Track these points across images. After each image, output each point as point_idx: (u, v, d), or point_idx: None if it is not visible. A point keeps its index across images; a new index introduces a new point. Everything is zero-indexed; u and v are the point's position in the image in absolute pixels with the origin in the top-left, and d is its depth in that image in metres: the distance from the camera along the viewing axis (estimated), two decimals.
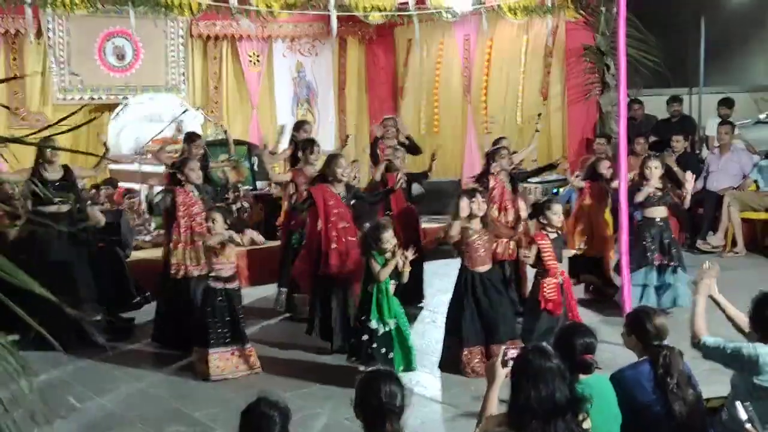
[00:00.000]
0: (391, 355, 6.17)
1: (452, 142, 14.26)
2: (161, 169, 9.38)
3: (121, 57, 12.85)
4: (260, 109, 14.19)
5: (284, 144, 9.57)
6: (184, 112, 11.97)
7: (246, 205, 10.32)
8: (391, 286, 6.28)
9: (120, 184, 10.94)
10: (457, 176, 13.07)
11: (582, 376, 3.99)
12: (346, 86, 15.19)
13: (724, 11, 13.10)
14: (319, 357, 7.07)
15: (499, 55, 13.53)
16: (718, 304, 4.63)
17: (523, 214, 7.14)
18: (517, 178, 8.22)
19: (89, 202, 8.22)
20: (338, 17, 11.63)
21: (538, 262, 6.71)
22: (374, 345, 6.13)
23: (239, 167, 10.48)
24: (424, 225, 9.38)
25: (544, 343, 3.73)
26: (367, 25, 13.59)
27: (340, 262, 7.04)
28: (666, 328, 4.35)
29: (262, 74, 14.21)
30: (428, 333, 7.72)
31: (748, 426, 3.79)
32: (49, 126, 7.37)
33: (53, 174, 7.56)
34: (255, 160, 11.40)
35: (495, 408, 3.66)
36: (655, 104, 12.49)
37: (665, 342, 4.31)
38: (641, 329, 4.32)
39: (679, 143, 11.19)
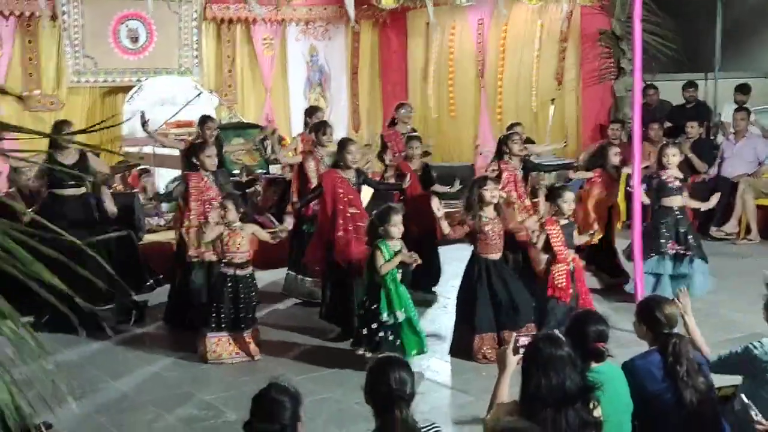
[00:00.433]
0: (398, 342, 6.17)
1: (466, 127, 14.23)
2: (176, 152, 9.41)
3: (134, 40, 12.85)
4: (273, 93, 14.18)
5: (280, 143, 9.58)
6: (198, 95, 11.99)
7: (259, 189, 10.34)
8: (398, 276, 6.27)
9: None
10: (470, 161, 13.04)
11: (594, 364, 3.98)
12: (359, 70, 15.16)
13: None
14: (329, 341, 7.10)
15: (513, 39, 13.46)
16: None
17: (541, 210, 7.09)
18: (529, 165, 8.17)
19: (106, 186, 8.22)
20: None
21: (548, 248, 6.70)
22: (381, 334, 6.13)
23: (253, 152, 10.51)
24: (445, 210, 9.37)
25: (556, 331, 3.74)
26: (380, 9, 13.55)
27: (346, 249, 7.05)
28: (676, 316, 4.33)
29: (276, 58, 14.19)
30: (439, 319, 7.74)
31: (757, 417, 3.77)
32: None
33: (68, 158, 7.58)
34: (268, 143, 11.40)
35: (506, 395, 3.66)
36: (670, 89, 12.42)
37: (675, 330, 4.30)
38: (651, 318, 4.31)
39: (693, 129, 11.13)
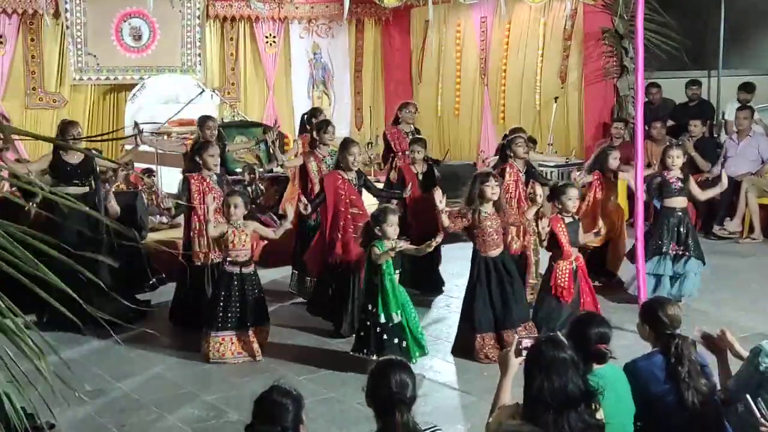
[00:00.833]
0: (405, 344, 6.15)
1: (468, 125, 14.21)
2: (180, 149, 9.41)
3: (137, 38, 12.86)
4: (276, 91, 14.18)
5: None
6: (200, 93, 11.98)
7: (261, 187, 10.33)
8: (396, 277, 6.25)
9: (136, 164, 10.96)
10: (472, 160, 13.03)
11: (596, 367, 3.98)
12: (362, 68, 15.15)
13: None
14: (331, 341, 7.10)
15: (516, 38, 13.44)
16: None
17: (539, 199, 7.06)
18: (531, 174, 8.15)
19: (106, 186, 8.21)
20: (353, 0, 11.58)
21: (553, 245, 6.70)
22: (385, 336, 6.11)
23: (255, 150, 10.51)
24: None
25: (558, 333, 3.73)
26: (383, 7, 13.54)
27: (345, 251, 7.05)
28: (679, 317, 4.32)
29: (279, 55, 14.19)
30: (442, 318, 7.74)
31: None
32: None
33: (73, 158, 7.59)
34: (271, 134, 11.38)
35: (508, 398, 3.65)
36: (673, 87, 12.39)
37: (678, 331, 4.29)
38: (654, 319, 4.30)
39: (696, 128, 11.12)
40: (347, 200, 7.30)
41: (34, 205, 7.94)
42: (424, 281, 8.38)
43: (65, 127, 7.85)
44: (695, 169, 10.66)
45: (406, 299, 6.29)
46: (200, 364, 6.59)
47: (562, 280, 6.62)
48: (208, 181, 7.33)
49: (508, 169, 7.82)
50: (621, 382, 4.07)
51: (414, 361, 6.02)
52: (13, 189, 8.61)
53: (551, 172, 11.34)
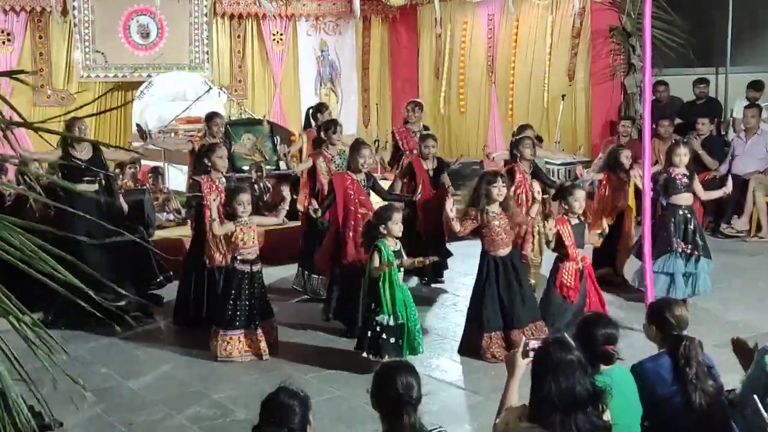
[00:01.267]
0: (400, 342, 6.16)
1: (475, 123, 14.21)
2: (187, 146, 9.42)
3: (145, 35, 12.89)
4: (284, 88, 14.20)
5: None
6: (207, 91, 12.00)
7: (269, 185, 10.34)
8: (400, 275, 6.26)
9: (144, 162, 10.99)
10: (479, 158, 13.01)
11: (603, 367, 3.98)
12: (369, 65, 15.16)
13: None
14: (338, 339, 7.10)
15: (524, 35, 13.42)
16: None
17: (538, 196, 7.07)
18: (537, 174, 8.14)
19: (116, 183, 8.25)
20: None
21: (559, 246, 6.69)
22: (384, 336, 6.11)
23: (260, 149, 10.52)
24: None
25: (566, 335, 3.73)
26: (389, 5, 13.55)
27: (356, 251, 7.06)
28: (686, 318, 4.32)
29: (286, 53, 14.21)
30: (449, 317, 7.73)
31: None
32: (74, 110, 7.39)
33: (83, 154, 7.61)
34: (278, 139, 11.39)
35: (515, 399, 3.66)
36: (681, 84, 12.35)
37: (685, 333, 4.29)
38: (661, 320, 4.30)
39: (704, 126, 11.09)
40: (356, 200, 7.32)
41: (41, 203, 8.02)
42: (429, 270, 8.39)
43: (72, 123, 7.87)
44: (703, 167, 10.64)
45: (409, 298, 6.29)
46: (207, 363, 6.60)
47: (569, 280, 6.61)
48: (217, 183, 7.32)
49: (516, 168, 7.83)
50: (628, 383, 4.07)
51: (403, 357, 6.03)
52: (21, 187, 8.66)
53: (558, 170, 11.34)
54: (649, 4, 6.97)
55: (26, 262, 2.47)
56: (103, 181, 7.77)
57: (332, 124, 8.29)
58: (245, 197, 6.68)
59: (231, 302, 6.60)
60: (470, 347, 6.61)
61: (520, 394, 3.65)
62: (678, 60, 11.95)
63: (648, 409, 4.05)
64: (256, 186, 9.92)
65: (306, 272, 8.37)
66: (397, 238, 6.24)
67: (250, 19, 13.88)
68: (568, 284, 6.60)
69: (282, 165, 10.99)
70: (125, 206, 8.23)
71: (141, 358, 6.79)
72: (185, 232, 8.72)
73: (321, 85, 14.61)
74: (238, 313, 6.60)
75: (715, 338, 6.22)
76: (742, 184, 10.57)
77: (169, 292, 8.07)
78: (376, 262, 6.11)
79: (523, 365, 3.69)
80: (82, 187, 7.59)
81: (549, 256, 7.16)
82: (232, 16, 13.71)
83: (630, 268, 8.13)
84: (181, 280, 7.75)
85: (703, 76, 12.14)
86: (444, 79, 14.71)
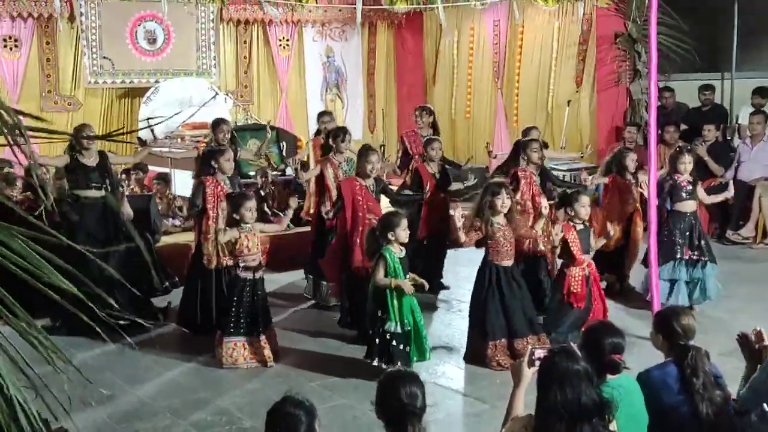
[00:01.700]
0: (407, 349, 6.17)
1: (481, 129, 14.22)
2: (192, 153, 9.45)
3: (152, 41, 12.91)
4: (290, 94, 14.21)
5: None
6: (213, 97, 12.02)
7: (274, 190, 10.35)
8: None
9: (150, 168, 11.00)
10: (485, 163, 13.01)
11: (609, 377, 3.97)
12: (375, 71, 15.17)
13: None
14: (344, 346, 7.10)
15: (530, 41, 13.43)
16: None
17: (545, 211, 7.06)
18: (546, 176, 8.14)
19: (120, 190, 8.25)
20: (366, 2, 11.60)
21: (565, 252, 6.69)
22: (393, 343, 6.12)
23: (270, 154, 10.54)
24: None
25: (572, 344, 3.73)
26: (393, 12, 13.58)
27: (364, 257, 7.06)
28: (693, 328, 4.31)
29: (292, 58, 14.22)
30: (454, 323, 7.72)
31: None
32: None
33: (89, 160, 7.64)
34: (284, 144, 11.41)
35: (521, 409, 3.65)
36: (686, 90, 12.34)
37: (692, 342, 4.28)
38: (668, 329, 4.29)
39: (710, 132, 11.08)
40: (365, 206, 7.32)
41: (52, 207, 8.03)
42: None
43: (79, 130, 7.90)
44: (709, 173, 10.64)
45: (415, 304, 6.30)
46: (214, 370, 6.60)
47: (575, 286, 6.62)
48: (222, 185, 7.35)
49: (521, 173, 7.81)
50: (635, 393, 4.07)
51: (411, 365, 6.04)
52: (28, 194, 8.70)
53: (563, 176, 11.34)
54: (655, 11, 6.97)
55: (30, 272, 2.47)
56: (109, 188, 7.79)
57: (341, 132, 8.30)
58: (251, 204, 6.68)
59: (234, 309, 6.60)
60: (476, 355, 6.61)
61: (525, 403, 3.65)
62: (684, 66, 11.95)
63: (654, 418, 4.04)
64: (261, 191, 9.94)
65: (316, 279, 8.37)
66: (402, 244, 6.25)
67: (256, 25, 13.90)
68: (576, 291, 6.61)
69: (288, 171, 11.02)
70: (130, 212, 8.25)
71: (147, 364, 6.79)
72: (192, 238, 8.72)
73: (327, 90, 14.62)
74: (241, 320, 6.61)
75: (721, 346, 6.21)
76: (748, 190, 10.57)
77: (176, 298, 8.07)
78: (381, 273, 6.11)
79: (529, 375, 3.68)
80: (89, 193, 7.63)
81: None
82: (238, 22, 13.73)
83: (638, 276, 8.13)
84: (186, 285, 7.76)
85: (708, 83, 12.13)
86: (449, 85, 14.70)
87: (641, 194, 8.16)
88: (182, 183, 10.56)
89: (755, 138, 10.87)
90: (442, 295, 8.56)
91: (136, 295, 7.78)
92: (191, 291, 7.58)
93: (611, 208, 8.40)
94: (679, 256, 7.61)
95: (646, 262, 7.51)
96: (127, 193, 9.11)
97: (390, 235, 6.17)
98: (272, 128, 10.36)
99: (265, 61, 14.09)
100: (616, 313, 7.30)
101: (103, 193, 7.71)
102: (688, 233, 7.66)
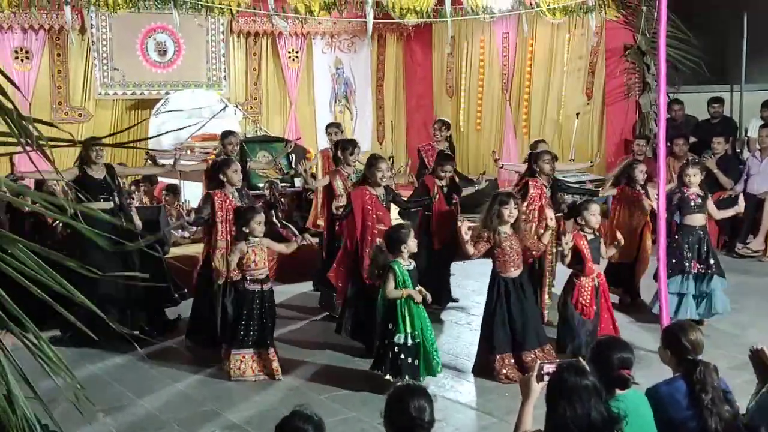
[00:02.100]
0: (417, 362, 6.16)
1: (491, 140, 14.22)
2: (201, 166, 9.48)
3: (162, 53, 12.98)
4: (299, 106, 14.25)
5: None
6: (223, 108, 12.06)
7: (284, 202, 10.38)
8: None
9: (159, 179, 11.05)
10: (493, 175, 13.00)
11: (618, 392, 3.97)
12: (384, 83, 15.21)
13: (767, 7, 12.89)
14: (353, 359, 7.08)
15: (540, 54, 13.45)
16: None
17: (551, 223, 7.04)
18: (558, 187, 8.14)
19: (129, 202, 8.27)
20: (375, 15, 11.63)
21: (575, 262, 6.67)
22: (402, 356, 6.11)
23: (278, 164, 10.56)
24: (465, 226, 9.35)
25: (581, 360, 3.73)
26: (403, 24, 13.59)
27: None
28: (701, 343, 4.29)
29: (301, 70, 14.27)
30: (463, 336, 7.71)
31: None
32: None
33: (97, 173, 7.67)
34: (293, 156, 11.43)
35: (530, 424, 3.65)
36: (696, 103, 12.33)
37: (701, 357, 4.27)
38: (676, 344, 4.28)
39: (720, 145, 11.07)
40: (374, 215, 7.32)
41: (59, 224, 8.08)
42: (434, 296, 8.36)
43: (89, 143, 7.93)
44: (718, 186, 10.62)
45: (425, 317, 6.29)
46: (222, 382, 6.59)
47: (585, 297, 6.60)
48: (230, 198, 7.35)
49: (531, 183, 7.82)
50: (643, 408, 4.06)
51: (421, 380, 6.04)
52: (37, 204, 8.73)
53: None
54: (664, 24, 6.96)
55: (40, 283, 2.48)
56: (118, 200, 7.82)
57: (350, 145, 8.32)
58: (260, 218, 6.69)
59: (243, 322, 6.59)
60: (484, 368, 6.60)
61: (534, 417, 3.65)
62: (693, 78, 11.95)
63: None
64: (271, 200, 9.96)
65: (325, 290, 8.37)
66: (410, 255, 6.26)
67: (265, 37, 13.97)
68: (585, 302, 6.59)
69: (297, 182, 11.04)
70: (139, 223, 8.27)
71: (155, 376, 6.79)
72: (200, 249, 8.73)
73: (336, 102, 14.67)
74: (250, 332, 6.59)
75: (730, 360, 6.20)
76: (757, 203, 10.54)
77: (185, 310, 8.08)
78: (392, 285, 6.12)
79: (538, 389, 3.68)
80: (97, 205, 7.65)
81: (563, 272, 7.14)
82: (248, 34, 13.80)
83: (650, 292, 8.10)
84: (195, 298, 7.77)
85: (717, 96, 12.12)
86: (461, 97, 14.72)
87: (651, 207, 8.16)
88: (191, 194, 10.60)
89: (765, 151, 10.85)
90: (451, 308, 8.53)
91: (146, 306, 7.87)
92: (200, 303, 7.58)
93: (620, 220, 8.38)
94: (687, 269, 7.59)
95: (654, 276, 7.49)
96: (137, 204, 9.15)
97: (403, 248, 6.19)
98: (288, 143, 10.41)
99: (274, 73, 14.15)
100: (625, 327, 7.27)
101: (111, 205, 7.73)
102: (696, 246, 7.64)
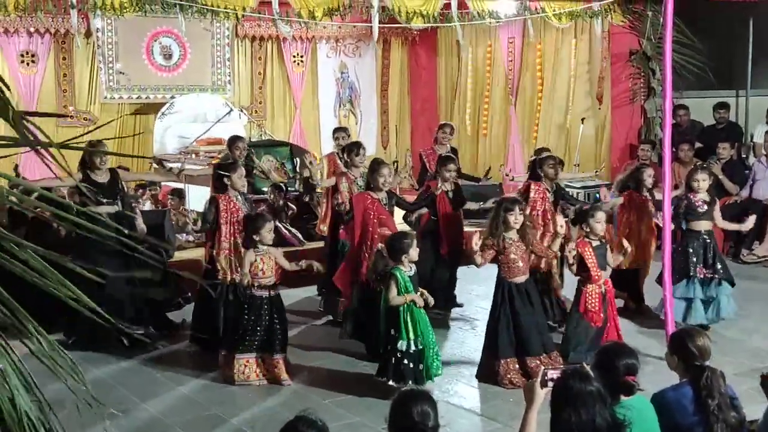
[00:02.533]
0: (420, 367, 6.16)
1: (497, 146, 14.20)
2: (207, 170, 9.48)
3: (168, 57, 12.98)
4: (303, 110, 14.25)
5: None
6: (228, 112, 12.08)
7: (292, 206, 10.37)
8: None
9: (164, 184, 11.04)
10: (498, 180, 12.99)
11: (623, 398, 3.95)
12: (389, 87, 15.20)
13: None
14: (358, 363, 7.08)
15: (548, 59, 13.44)
16: None
17: (561, 230, 7.03)
18: (560, 194, 8.13)
19: (133, 205, 8.27)
20: (381, 19, 11.63)
21: (581, 269, 6.66)
22: (405, 362, 6.12)
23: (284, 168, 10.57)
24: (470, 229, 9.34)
25: (585, 365, 3.72)
26: (410, 29, 13.61)
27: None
28: (708, 349, 4.28)
29: (306, 75, 14.26)
30: (467, 341, 7.70)
31: None
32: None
33: (101, 177, 7.68)
34: (297, 161, 11.44)
35: (534, 430, 3.64)
36: (701, 108, 12.32)
37: (707, 363, 4.25)
38: (683, 350, 4.26)
39: (725, 151, 11.05)
40: (376, 220, 7.31)
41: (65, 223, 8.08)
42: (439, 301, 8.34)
43: (93, 146, 7.92)
44: (724, 192, 10.59)
45: (426, 323, 6.28)
46: (226, 386, 6.58)
47: (592, 304, 6.59)
48: (235, 201, 7.35)
49: (533, 187, 7.80)
50: (649, 414, 4.04)
51: (424, 383, 6.03)
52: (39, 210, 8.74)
53: (577, 194, 11.31)
54: (670, 29, 6.95)
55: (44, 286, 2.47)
56: (122, 204, 7.82)
57: (355, 147, 8.33)
58: (271, 225, 6.69)
59: (250, 327, 6.57)
60: (488, 373, 6.59)
61: (538, 422, 3.64)
62: (698, 84, 11.94)
63: None
64: (275, 207, 9.97)
65: (329, 295, 8.36)
66: (412, 262, 6.26)
67: (270, 42, 13.96)
68: (592, 309, 6.58)
69: (297, 186, 11.04)
70: (144, 227, 8.27)
71: (160, 380, 6.79)
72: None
73: (340, 106, 14.65)
74: (256, 337, 6.57)
75: (736, 367, 6.19)
76: (763, 209, 10.51)
77: (183, 314, 8.09)
78: (394, 292, 6.11)
79: (542, 395, 3.67)
80: (101, 209, 7.65)
81: (571, 281, 7.13)
82: (253, 39, 13.79)
83: (655, 296, 8.08)
84: (198, 301, 7.76)
85: (723, 101, 12.11)
86: (466, 102, 14.70)
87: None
88: (196, 198, 10.60)
89: None
90: (456, 313, 8.51)
91: (147, 308, 7.86)
92: (203, 307, 7.58)
93: (628, 225, 8.36)
94: (692, 273, 7.57)
95: (660, 281, 7.47)
96: (144, 207, 9.14)
97: (403, 257, 6.18)
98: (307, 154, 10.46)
99: (279, 77, 14.14)
100: (630, 333, 7.26)
101: (115, 208, 7.74)
102: (702, 251, 7.62)
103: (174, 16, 10.88)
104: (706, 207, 7.67)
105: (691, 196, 7.70)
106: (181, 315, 8.22)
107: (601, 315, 6.60)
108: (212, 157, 10.86)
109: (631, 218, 8.35)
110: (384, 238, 6.89)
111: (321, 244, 9.22)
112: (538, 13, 12.05)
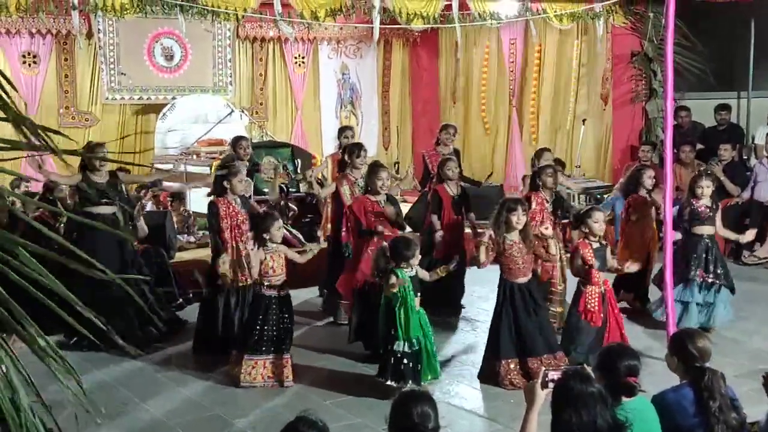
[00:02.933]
0: (419, 367, 6.17)
1: (499, 147, 14.21)
2: (206, 170, 9.48)
3: (169, 58, 12.99)
4: (305, 111, 14.26)
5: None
6: (229, 114, 12.09)
7: (294, 207, 10.38)
8: (416, 301, 6.25)
9: (165, 184, 11.04)
10: (499, 182, 13.01)
11: (625, 399, 3.95)
12: (390, 88, 15.21)
13: None
14: (359, 364, 7.08)
15: (549, 60, 13.44)
16: None
17: (546, 232, 6.96)
18: (560, 203, 8.12)
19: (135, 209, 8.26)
20: (382, 20, 11.63)
21: (581, 270, 6.66)
22: (404, 362, 6.12)
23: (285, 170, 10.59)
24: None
25: (586, 367, 3.72)
26: (411, 30, 13.61)
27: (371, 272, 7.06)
28: (709, 350, 4.29)
29: (307, 76, 14.26)
30: (468, 342, 7.70)
31: None
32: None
33: (100, 178, 7.69)
34: (299, 162, 11.43)
35: (535, 431, 3.64)
36: (703, 110, 12.31)
37: (708, 364, 4.25)
38: (684, 351, 4.26)
39: (726, 152, 11.04)
40: (375, 220, 7.33)
41: (62, 225, 8.11)
42: (443, 306, 8.29)
43: (91, 147, 7.93)
44: (725, 193, 10.58)
45: (426, 323, 6.29)
46: (228, 387, 6.58)
47: (592, 304, 6.59)
48: (233, 204, 7.34)
49: (534, 198, 7.80)
50: (649, 415, 4.04)
51: (424, 384, 6.03)
52: (41, 211, 8.76)
53: (577, 196, 11.32)
54: (672, 30, 6.94)
55: (42, 288, 2.47)
56: (121, 204, 7.83)
57: (356, 148, 8.31)
58: (279, 223, 6.69)
59: (258, 327, 6.54)
60: (489, 374, 6.59)
61: (539, 423, 3.64)
62: (699, 84, 11.93)
63: None
64: (276, 208, 9.96)
65: (331, 296, 8.36)
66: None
67: (272, 43, 13.97)
68: (592, 309, 6.58)
69: (302, 187, 11.04)
70: (146, 228, 8.29)
71: (161, 381, 6.79)
72: (207, 253, 8.72)
73: (342, 107, 14.66)
74: (265, 338, 6.54)
75: (736, 368, 6.19)
76: (764, 211, 10.51)
77: (191, 315, 8.08)
78: (393, 280, 6.12)
79: (543, 396, 3.67)
80: (100, 209, 7.66)
81: (572, 282, 7.13)
82: (254, 40, 13.80)
83: (652, 297, 8.09)
84: (201, 303, 7.75)
85: (724, 102, 12.09)
86: (468, 103, 14.71)
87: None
88: (197, 199, 10.60)
89: None
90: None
91: (143, 311, 7.85)
92: (207, 309, 7.57)
93: (631, 229, 8.35)
94: (691, 277, 7.56)
95: (659, 283, 7.47)
96: (147, 208, 9.14)
97: (403, 264, 6.20)
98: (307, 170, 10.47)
99: (280, 78, 14.15)
100: (632, 334, 7.25)
101: (114, 209, 7.75)
102: (703, 255, 7.62)
103: (175, 17, 10.87)
104: (709, 213, 7.68)
105: (695, 203, 7.70)
106: (184, 316, 8.24)
107: (601, 315, 6.60)
108: (213, 158, 10.87)
109: (635, 221, 8.34)
110: (388, 238, 6.92)
111: (324, 245, 9.21)
112: (539, 14, 12.04)
